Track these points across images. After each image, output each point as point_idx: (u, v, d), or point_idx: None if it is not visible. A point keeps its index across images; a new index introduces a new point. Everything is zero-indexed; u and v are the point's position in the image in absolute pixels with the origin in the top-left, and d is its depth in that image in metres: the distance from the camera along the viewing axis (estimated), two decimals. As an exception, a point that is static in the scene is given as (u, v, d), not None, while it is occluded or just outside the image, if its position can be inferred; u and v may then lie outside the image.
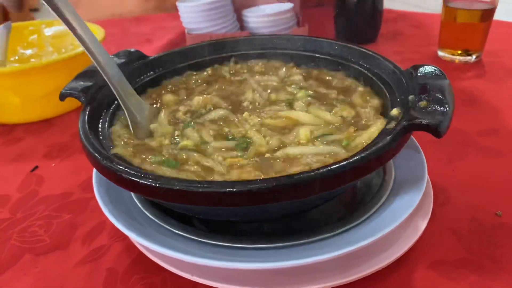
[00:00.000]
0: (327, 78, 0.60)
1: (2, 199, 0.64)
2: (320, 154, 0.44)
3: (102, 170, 0.42)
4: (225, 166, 0.44)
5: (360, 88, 0.56)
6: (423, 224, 0.50)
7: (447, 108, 0.41)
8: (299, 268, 0.45)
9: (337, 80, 0.59)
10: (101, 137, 0.48)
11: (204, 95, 0.56)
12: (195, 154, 0.46)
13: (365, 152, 0.39)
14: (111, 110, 0.53)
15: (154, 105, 0.57)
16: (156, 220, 0.48)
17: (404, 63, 1.03)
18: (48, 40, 1.01)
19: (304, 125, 0.49)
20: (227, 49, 0.65)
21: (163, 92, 0.60)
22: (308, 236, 0.44)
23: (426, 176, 0.50)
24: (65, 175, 0.69)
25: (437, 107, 0.42)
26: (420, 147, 0.56)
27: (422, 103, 0.43)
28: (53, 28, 1.02)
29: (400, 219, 0.44)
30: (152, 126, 0.52)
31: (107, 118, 0.52)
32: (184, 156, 0.46)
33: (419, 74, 0.48)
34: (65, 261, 0.52)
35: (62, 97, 0.51)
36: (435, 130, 0.40)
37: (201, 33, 1.04)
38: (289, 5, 1.06)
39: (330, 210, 0.54)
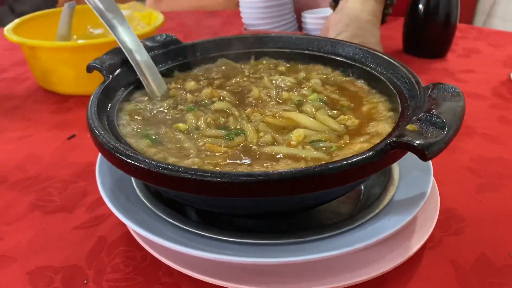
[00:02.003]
0: (345, 83, 0.58)
1: (35, 159, 0.70)
2: (305, 158, 0.43)
3: (95, 142, 0.44)
4: (199, 149, 0.44)
5: (374, 99, 0.53)
6: (415, 247, 0.46)
7: (444, 132, 0.38)
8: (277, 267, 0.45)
9: (354, 86, 0.57)
10: (109, 109, 0.50)
11: (212, 89, 0.56)
12: (180, 136, 0.46)
13: (334, 163, 0.37)
14: (129, 88, 0.56)
15: (176, 88, 0.58)
16: (146, 202, 0.48)
17: (469, 83, 0.97)
18: (116, 22, 1.08)
19: (302, 128, 0.48)
20: (257, 45, 0.65)
21: (186, 78, 0.61)
22: (286, 237, 0.43)
23: (423, 201, 0.46)
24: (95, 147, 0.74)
25: (433, 128, 0.39)
26: (431, 169, 0.51)
27: (419, 122, 0.40)
28: (123, 11, 1.09)
29: (376, 238, 0.42)
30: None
31: (123, 95, 0.54)
32: (167, 135, 0.47)
33: (434, 91, 0.45)
34: (66, 223, 0.56)
35: (89, 69, 0.54)
36: (421, 153, 0.36)
37: (257, 29, 1.05)
38: (350, 10, 1.03)
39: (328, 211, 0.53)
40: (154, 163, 0.37)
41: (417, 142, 0.36)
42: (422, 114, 0.41)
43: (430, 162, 0.52)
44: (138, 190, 0.50)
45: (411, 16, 1.11)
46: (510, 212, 0.56)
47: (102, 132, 0.42)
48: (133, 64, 0.55)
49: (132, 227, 0.44)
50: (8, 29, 0.92)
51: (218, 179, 0.35)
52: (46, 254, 0.51)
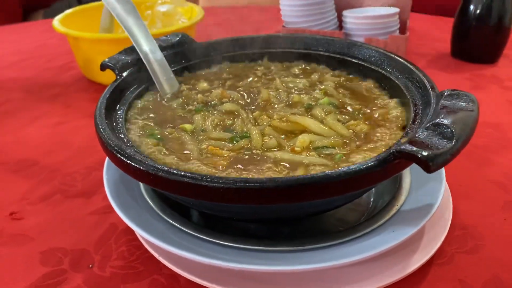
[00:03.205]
0: (359, 86, 0.57)
1: (66, 145, 0.74)
2: (307, 165, 0.42)
3: (100, 142, 0.45)
4: (201, 151, 0.44)
5: (387, 104, 0.51)
6: (416, 264, 0.44)
7: (450, 144, 0.36)
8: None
9: (368, 90, 0.55)
10: (119, 106, 0.52)
11: (222, 89, 0.57)
12: (187, 137, 0.47)
13: (332, 172, 0.36)
14: (142, 87, 0.57)
15: (188, 89, 0.59)
16: (149, 201, 0.49)
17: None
18: (159, 17, 1.11)
19: (309, 133, 0.47)
20: (272, 45, 0.65)
21: (198, 78, 0.62)
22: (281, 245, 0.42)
23: (430, 214, 0.44)
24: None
25: (440, 139, 0.37)
26: (444, 180, 0.48)
27: (427, 131, 0.38)
28: (166, 6, 1.12)
29: (374, 251, 0.40)
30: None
31: (135, 93, 0.56)
32: (173, 135, 0.48)
33: (447, 98, 0.42)
34: (83, 209, 0.59)
35: (102, 67, 0.56)
36: (424, 164, 0.34)
37: (296, 27, 1.04)
38: (393, 10, 0.99)
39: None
40: (149, 165, 0.38)
41: (421, 153, 0.35)
42: (431, 123, 0.39)
43: (443, 173, 0.49)
44: (143, 188, 0.51)
45: (461, 18, 1.05)
46: (533, 235, 0.52)
47: (107, 131, 0.43)
48: (146, 64, 0.57)
49: (130, 225, 0.44)
50: (56, 20, 0.97)
51: (205, 183, 0.36)
52: (60, 236, 0.54)
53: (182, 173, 0.36)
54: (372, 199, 0.53)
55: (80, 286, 0.47)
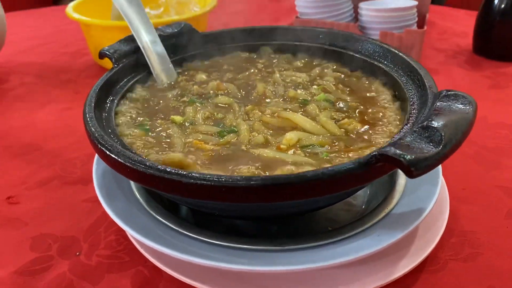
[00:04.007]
0: (359, 82, 0.55)
1: (70, 131, 0.75)
2: (291, 163, 0.41)
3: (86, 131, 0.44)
4: (186, 145, 0.44)
5: (385, 102, 0.49)
6: (403, 268, 0.43)
7: (437, 149, 0.34)
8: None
9: (367, 86, 0.53)
10: (112, 95, 0.52)
11: (219, 82, 0.56)
12: (175, 129, 0.46)
13: (307, 173, 0.35)
14: (138, 77, 0.57)
15: (186, 80, 0.59)
16: (139, 197, 0.48)
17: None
18: (173, 5, 1.10)
19: (299, 131, 0.45)
20: (275, 37, 0.63)
21: (197, 69, 0.61)
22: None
23: (419, 220, 0.42)
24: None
25: (427, 142, 0.35)
26: (439, 184, 0.46)
27: (415, 134, 0.36)
28: (180, -7, 1.11)
29: (355, 255, 0.39)
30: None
31: (131, 82, 0.55)
32: (162, 127, 0.47)
33: (444, 100, 0.40)
34: (78, 195, 0.59)
35: (100, 55, 0.56)
36: (407, 169, 0.33)
37: (310, 18, 1.01)
38: (411, 3, 0.95)
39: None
40: (130, 159, 0.37)
41: (404, 157, 0.33)
42: (420, 125, 0.37)
43: (440, 177, 0.47)
44: (132, 184, 0.50)
45: (484, 12, 1.01)
46: (535, 245, 0.49)
47: (93, 120, 0.43)
48: (144, 54, 0.56)
49: (112, 216, 0.44)
50: (70, 6, 0.98)
51: (177, 178, 0.35)
52: (53, 222, 0.54)
53: (147, 165, 0.36)
54: (366, 200, 0.52)
55: (65, 274, 0.47)
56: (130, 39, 0.58)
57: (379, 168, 0.36)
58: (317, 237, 0.41)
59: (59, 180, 0.62)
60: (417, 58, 0.92)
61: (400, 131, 0.41)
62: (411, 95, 0.46)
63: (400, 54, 0.53)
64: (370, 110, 0.49)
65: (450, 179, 0.58)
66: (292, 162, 0.40)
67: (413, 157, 0.33)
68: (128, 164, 0.37)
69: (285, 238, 0.41)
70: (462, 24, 1.21)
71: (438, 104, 0.39)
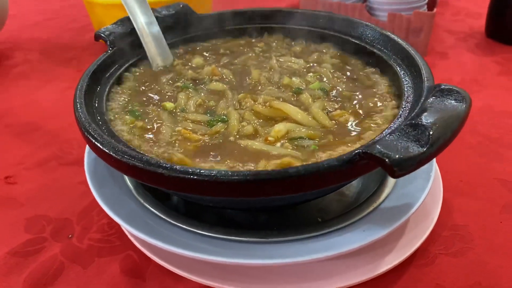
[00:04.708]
0: (356, 71, 0.54)
1: (71, 111, 0.74)
2: (277, 156, 0.40)
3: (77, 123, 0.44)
4: (173, 134, 0.43)
5: (380, 93, 0.48)
6: (389, 263, 0.43)
7: (422, 149, 0.33)
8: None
9: (365, 75, 0.52)
10: (105, 80, 0.51)
11: (214, 66, 0.55)
12: (165, 116, 0.46)
13: (287, 169, 0.34)
14: (133, 60, 0.56)
15: (182, 63, 0.58)
16: (127, 180, 0.48)
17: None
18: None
19: (290, 121, 0.45)
20: (275, 20, 0.62)
21: (194, 53, 0.60)
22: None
23: (405, 217, 0.41)
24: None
25: (414, 141, 0.34)
26: (431, 181, 0.45)
27: (402, 132, 0.35)
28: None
29: (339, 251, 0.39)
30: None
31: (125, 66, 0.55)
32: (153, 114, 0.47)
33: (438, 95, 0.39)
34: (74, 177, 0.60)
35: (96, 38, 0.56)
36: (389, 169, 0.32)
37: (317, -2, 0.99)
38: (422, -18, 0.92)
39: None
40: (116, 149, 0.37)
41: (388, 156, 0.32)
42: (409, 122, 0.36)
43: (433, 171, 0.46)
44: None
45: (499, -6, 0.97)
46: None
47: (82, 106, 0.43)
48: (140, 36, 0.56)
49: (100, 202, 0.45)
50: (74, -18, 0.97)
51: (158, 171, 0.35)
52: (48, 204, 0.55)
53: (133, 156, 0.36)
54: (358, 190, 0.51)
55: (57, 256, 0.48)
56: (127, 20, 0.58)
57: (363, 165, 0.35)
58: (302, 230, 0.41)
59: (56, 161, 0.63)
60: (426, 41, 0.90)
61: (390, 126, 0.40)
62: (407, 87, 0.45)
63: (400, 41, 0.51)
64: (364, 102, 0.47)
65: (448, 171, 0.57)
66: (278, 155, 0.40)
67: (396, 156, 0.32)
68: (111, 154, 0.37)
69: (272, 229, 0.41)
70: (477, 4, 1.17)
71: (430, 99, 0.38)
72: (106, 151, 0.37)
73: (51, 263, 0.47)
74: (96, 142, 0.38)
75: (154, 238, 0.40)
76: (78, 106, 0.44)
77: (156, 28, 0.57)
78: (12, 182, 0.59)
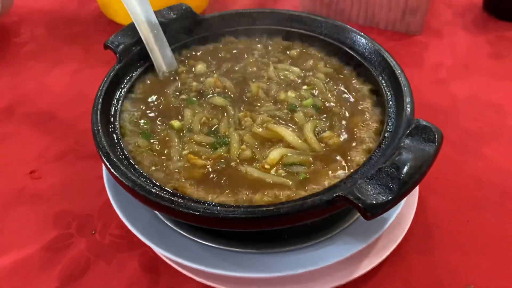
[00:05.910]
0: (349, 83, 0.59)
1: (82, 98, 0.80)
2: (272, 184, 0.47)
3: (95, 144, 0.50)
4: (181, 159, 0.50)
5: (367, 113, 0.54)
6: (364, 268, 0.50)
7: (392, 196, 0.39)
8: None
9: (355, 89, 0.59)
10: (116, 96, 0.56)
11: (215, 76, 0.60)
12: (173, 136, 0.52)
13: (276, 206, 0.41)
14: (142, 69, 0.61)
15: (185, 71, 0.62)
16: None
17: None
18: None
19: (284, 144, 0.51)
20: (274, 22, 0.66)
21: (197, 58, 0.64)
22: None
23: (377, 234, 0.49)
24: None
25: (385, 184, 0.40)
26: (403, 202, 0.52)
27: (376, 176, 0.41)
28: None
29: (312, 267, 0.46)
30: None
31: (134, 76, 0.60)
32: (162, 134, 0.53)
33: (414, 132, 0.44)
34: (92, 172, 0.66)
35: (105, 47, 0.59)
36: (363, 213, 0.39)
37: None
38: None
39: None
40: (128, 179, 0.44)
41: (363, 202, 0.38)
42: (383, 165, 0.41)
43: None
44: None
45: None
46: (490, 242, 0.56)
47: (100, 137, 0.49)
48: (145, 43, 0.59)
49: (115, 207, 0.52)
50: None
51: (165, 204, 0.42)
52: (70, 199, 0.62)
53: (143, 188, 0.44)
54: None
55: (83, 252, 0.56)
56: (132, 29, 0.61)
57: (340, 205, 0.42)
58: (283, 243, 0.49)
59: (73, 155, 0.69)
60: (421, 21, 0.92)
61: (368, 159, 0.46)
62: (389, 113, 0.51)
63: (390, 60, 0.55)
64: (350, 119, 0.54)
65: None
66: (273, 183, 0.46)
67: (369, 202, 0.38)
68: (127, 184, 0.44)
69: (249, 241, 0.49)
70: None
71: (406, 141, 0.43)
72: (127, 185, 0.44)
73: (79, 259, 0.55)
74: (121, 179, 0.45)
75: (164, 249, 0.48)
76: (96, 135, 0.49)
77: (160, 33, 0.61)
78: (37, 177, 0.66)
